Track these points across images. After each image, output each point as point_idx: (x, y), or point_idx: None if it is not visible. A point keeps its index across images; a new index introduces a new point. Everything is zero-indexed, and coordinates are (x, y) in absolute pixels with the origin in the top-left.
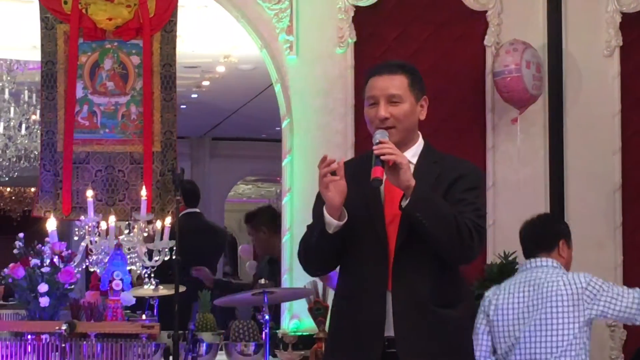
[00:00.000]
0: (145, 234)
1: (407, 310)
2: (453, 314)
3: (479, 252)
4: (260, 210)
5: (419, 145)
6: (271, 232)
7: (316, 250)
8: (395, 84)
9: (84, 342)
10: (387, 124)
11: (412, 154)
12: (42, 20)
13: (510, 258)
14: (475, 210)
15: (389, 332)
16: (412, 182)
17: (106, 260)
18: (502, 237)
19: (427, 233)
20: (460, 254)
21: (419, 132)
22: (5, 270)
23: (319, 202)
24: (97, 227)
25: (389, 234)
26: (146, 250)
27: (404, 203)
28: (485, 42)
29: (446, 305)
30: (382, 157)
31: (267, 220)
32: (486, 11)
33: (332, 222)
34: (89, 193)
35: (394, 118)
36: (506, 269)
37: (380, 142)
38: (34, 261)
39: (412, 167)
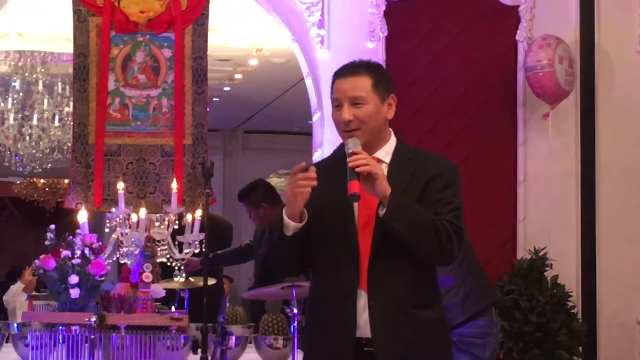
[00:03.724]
0: (176, 227)
1: (384, 311)
2: (429, 315)
3: (458, 254)
4: (255, 187)
5: (390, 143)
6: (271, 206)
7: (276, 253)
8: (358, 85)
9: (114, 334)
10: (352, 127)
11: (385, 153)
12: (74, 12)
13: (540, 254)
14: (453, 210)
15: (366, 332)
16: (388, 191)
17: (137, 252)
18: (532, 232)
19: (405, 240)
20: (439, 257)
21: (391, 130)
22: (37, 261)
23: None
24: (128, 220)
25: (364, 236)
26: (177, 243)
27: (381, 212)
28: (517, 37)
29: (422, 306)
30: (356, 169)
31: (264, 195)
32: (518, 6)
33: (290, 225)
34: (120, 185)
35: (357, 120)
36: (536, 265)
37: (353, 153)
38: (65, 253)
39: (385, 167)
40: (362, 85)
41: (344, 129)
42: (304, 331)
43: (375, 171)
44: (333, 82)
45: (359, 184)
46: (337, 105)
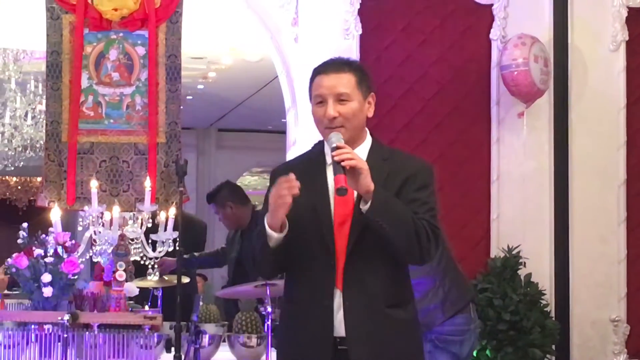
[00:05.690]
0: (150, 225)
1: (358, 310)
2: (402, 315)
3: (435, 254)
4: (221, 187)
5: (367, 142)
6: (237, 205)
7: (263, 260)
8: (342, 82)
9: (87, 333)
10: (336, 123)
11: (361, 152)
12: (47, 10)
13: (513, 252)
14: (429, 210)
15: (340, 331)
16: (372, 187)
17: (110, 250)
18: (505, 230)
19: (387, 236)
20: (418, 256)
21: (367, 129)
22: (9, 260)
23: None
24: (101, 218)
25: (341, 234)
26: (150, 241)
27: (364, 207)
28: (491, 36)
29: (396, 306)
30: (342, 163)
31: (230, 194)
32: (492, 5)
33: (273, 236)
34: (93, 183)
35: (342, 117)
36: (509, 263)
37: (337, 147)
38: (38, 251)
39: None
40: (347, 82)
41: (328, 125)
42: (277, 330)
43: (361, 165)
44: (313, 79)
45: (345, 178)
46: (319, 101)
